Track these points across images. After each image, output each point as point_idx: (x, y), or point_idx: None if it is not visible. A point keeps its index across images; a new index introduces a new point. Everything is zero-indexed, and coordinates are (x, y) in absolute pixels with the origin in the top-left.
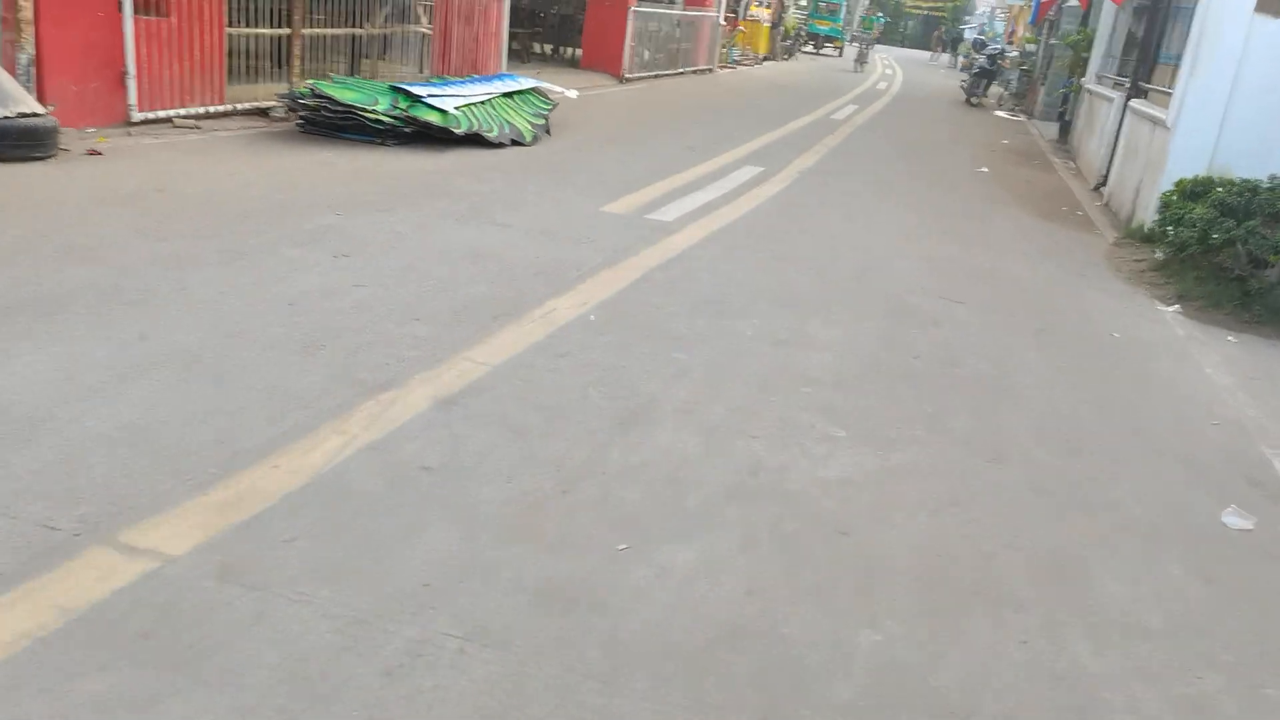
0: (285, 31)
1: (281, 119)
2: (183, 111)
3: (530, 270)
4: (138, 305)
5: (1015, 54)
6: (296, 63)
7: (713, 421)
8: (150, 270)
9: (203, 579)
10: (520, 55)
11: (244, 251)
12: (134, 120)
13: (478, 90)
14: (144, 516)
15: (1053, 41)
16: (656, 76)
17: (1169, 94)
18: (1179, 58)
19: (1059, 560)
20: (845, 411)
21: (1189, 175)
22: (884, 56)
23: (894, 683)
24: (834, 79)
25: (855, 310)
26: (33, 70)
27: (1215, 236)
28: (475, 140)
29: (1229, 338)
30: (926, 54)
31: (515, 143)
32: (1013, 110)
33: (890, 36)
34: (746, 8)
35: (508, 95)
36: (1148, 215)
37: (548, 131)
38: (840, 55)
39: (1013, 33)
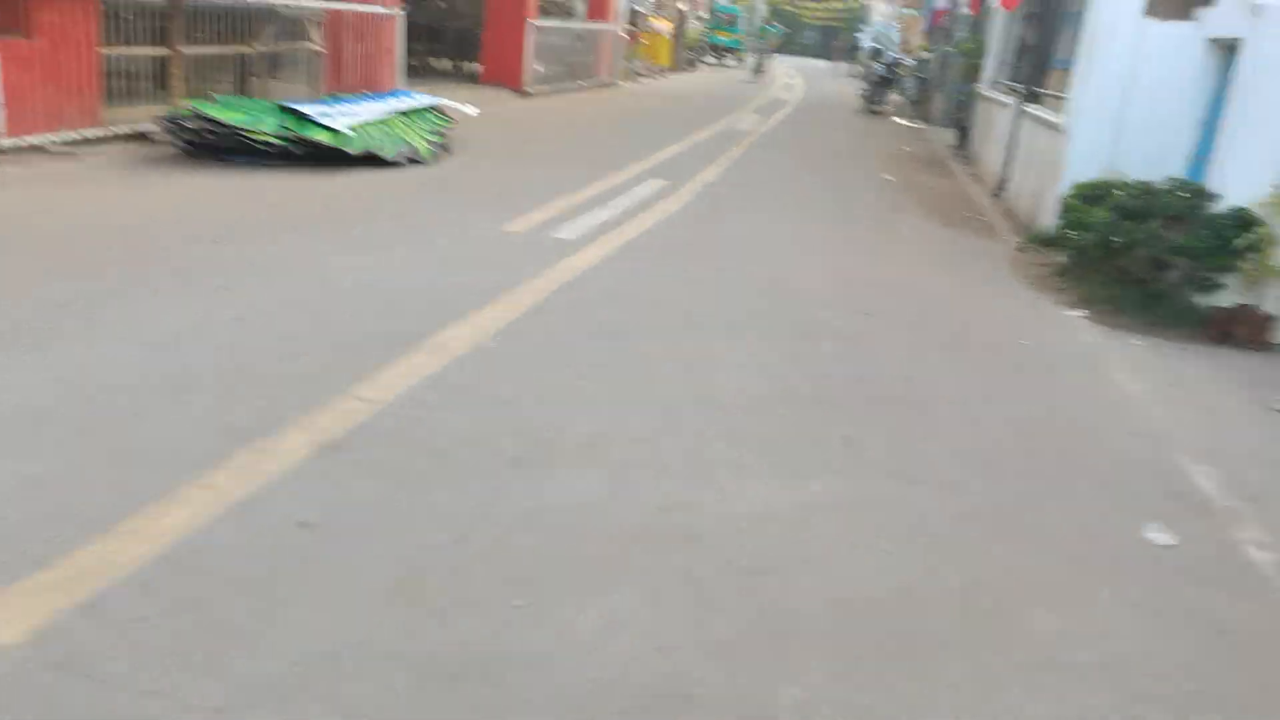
0: (165, 51)
1: (164, 143)
2: (54, 138)
3: (424, 297)
4: None
5: (912, 62)
6: (177, 83)
7: (617, 457)
8: None
9: (40, 670)
10: (419, 71)
11: (110, 289)
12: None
13: (372, 108)
14: None
15: (947, 49)
16: (559, 90)
17: (1063, 98)
18: (1070, 63)
19: (984, 594)
20: (757, 439)
21: (1086, 179)
22: (785, 67)
23: None
24: (737, 90)
25: (764, 329)
26: None
27: (1116, 240)
28: (370, 160)
29: (1135, 341)
30: (828, 63)
31: (413, 162)
32: (911, 118)
33: (790, 46)
34: (647, 20)
35: (404, 113)
36: (1048, 219)
37: (446, 150)
38: (742, 65)
39: (907, 41)
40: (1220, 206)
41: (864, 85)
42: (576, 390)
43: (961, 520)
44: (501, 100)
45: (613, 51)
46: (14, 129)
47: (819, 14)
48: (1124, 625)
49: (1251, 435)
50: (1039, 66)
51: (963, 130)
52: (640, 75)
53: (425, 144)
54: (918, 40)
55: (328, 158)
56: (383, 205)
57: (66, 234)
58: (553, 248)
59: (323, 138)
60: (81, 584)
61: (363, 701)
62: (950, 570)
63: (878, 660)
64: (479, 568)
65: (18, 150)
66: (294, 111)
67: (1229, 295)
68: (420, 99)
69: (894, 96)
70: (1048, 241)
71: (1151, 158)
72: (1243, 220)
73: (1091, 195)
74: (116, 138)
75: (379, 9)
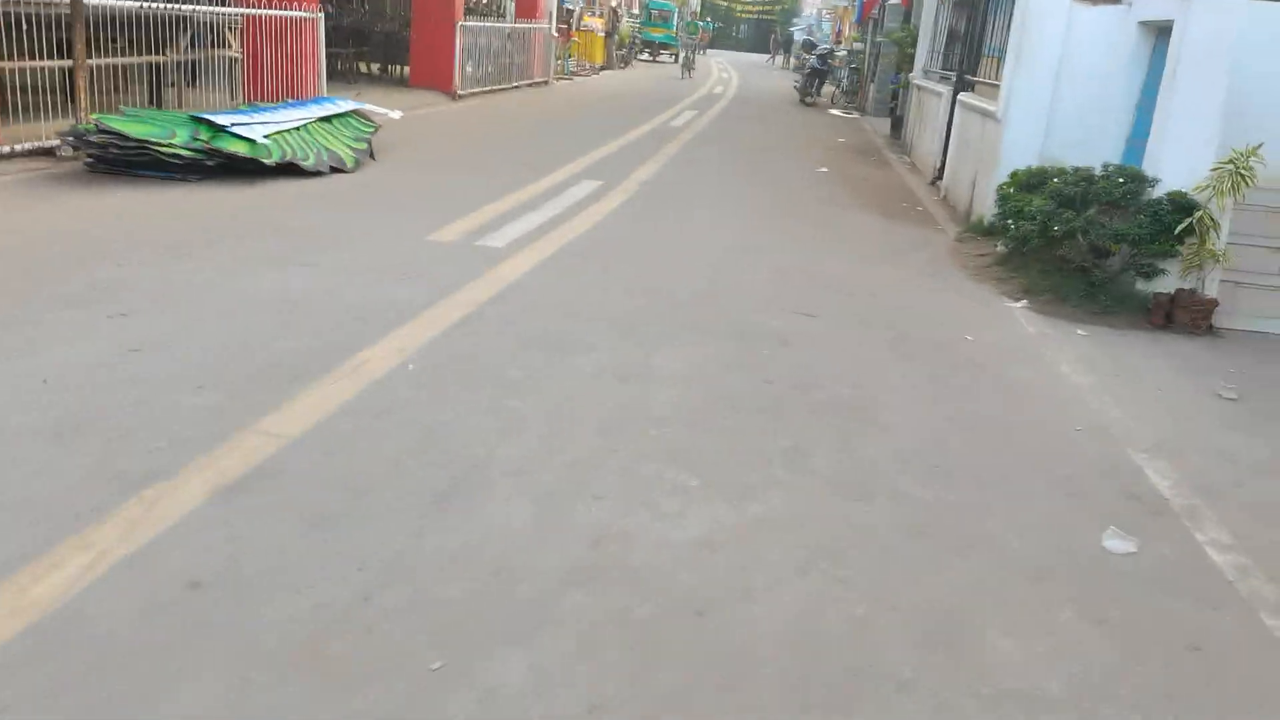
0: (68, 63)
1: (70, 158)
2: None
3: (343, 316)
4: None
5: (844, 53)
6: (83, 96)
7: (548, 484)
8: None
9: None
10: (346, 76)
11: None
12: None
13: (291, 116)
14: None
15: (879, 39)
16: (490, 91)
17: (996, 86)
18: (1002, 50)
19: (941, 618)
20: (697, 455)
21: (1022, 167)
22: (719, 61)
23: None
24: (671, 86)
25: (703, 334)
26: None
27: (1056, 228)
28: (291, 170)
29: (1079, 331)
30: (762, 57)
31: (336, 170)
32: (846, 108)
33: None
34: (579, 18)
35: (325, 119)
36: (986, 208)
37: (371, 156)
38: (677, 61)
39: (840, 32)
40: (1158, 191)
41: (798, 77)
42: (505, 411)
43: (913, 536)
44: (432, 103)
45: (545, 51)
46: None
47: (751, 8)
48: (1090, 646)
49: (1201, 425)
50: (971, 54)
51: (897, 119)
52: (574, 74)
53: (349, 151)
54: (850, 31)
55: (245, 170)
56: (301, 217)
57: None
58: (481, 256)
59: (238, 148)
60: None
61: None
62: (904, 594)
63: (832, 703)
64: (393, 625)
65: None
66: (208, 122)
67: (1170, 281)
68: (342, 104)
69: (828, 88)
70: (987, 231)
71: (1088, 143)
72: (1181, 204)
73: (1029, 183)
74: (18, 154)
75: (298, 12)
